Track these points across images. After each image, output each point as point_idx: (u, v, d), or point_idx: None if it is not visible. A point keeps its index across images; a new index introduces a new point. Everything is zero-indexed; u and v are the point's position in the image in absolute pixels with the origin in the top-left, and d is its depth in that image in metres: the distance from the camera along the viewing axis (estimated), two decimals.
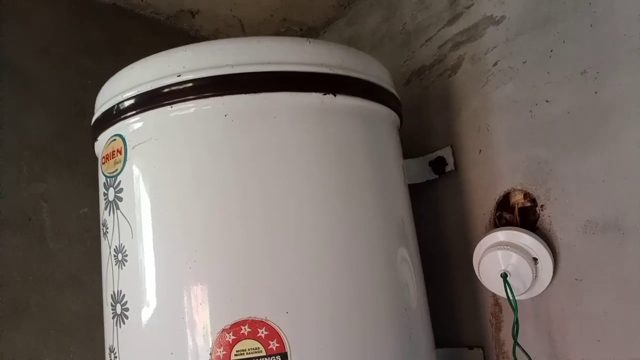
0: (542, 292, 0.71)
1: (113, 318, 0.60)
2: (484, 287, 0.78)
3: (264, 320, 0.53)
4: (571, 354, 0.68)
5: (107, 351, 0.62)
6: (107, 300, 0.62)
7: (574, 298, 0.67)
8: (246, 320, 0.53)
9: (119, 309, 0.59)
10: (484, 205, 0.80)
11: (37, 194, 0.89)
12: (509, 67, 0.77)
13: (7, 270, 0.84)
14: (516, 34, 0.76)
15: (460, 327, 0.81)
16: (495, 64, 0.80)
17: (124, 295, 0.59)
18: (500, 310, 0.77)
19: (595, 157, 0.66)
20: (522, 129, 0.75)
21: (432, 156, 0.86)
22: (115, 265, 0.60)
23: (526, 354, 0.65)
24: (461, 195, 0.83)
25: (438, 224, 0.85)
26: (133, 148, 0.61)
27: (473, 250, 0.76)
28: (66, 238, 0.91)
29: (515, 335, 0.66)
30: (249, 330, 0.53)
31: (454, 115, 0.85)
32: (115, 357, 0.60)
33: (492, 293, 0.77)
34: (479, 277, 0.74)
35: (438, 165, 0.86)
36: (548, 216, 0.71)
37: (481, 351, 0.78)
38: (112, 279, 0.61)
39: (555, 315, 0.69)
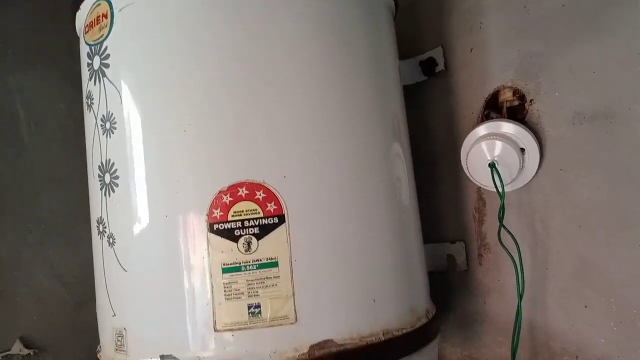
0: (527, 183, 0.72)
1: (101, 189, 0.59)
2: (469, 183, 0.79)
3: (261, 183, 0.52)
4: (552, 242, 0.70)
5: (94, 224, 0.61)
6: (94, 173, 0.60)
7: (559, 188, 0.69)
8: (244, 182, 0.52)
9: (107, 179, 0.58)
10: (472, 104, 0.80)
11: (10, 87, 0.85)
12: None
13: None
14: None
15: (443, 223, 0.83)
16: None
17: (112, 163, 0.57)
18: (484, 205, 0.78)
19: (588, 49, 0.66)
20: (516, 25, 0.74)
21: (423, 57, 0.85)
22: (103, 134, 0.58)
23: (511, 235, 0.67)
24: (450, 95, 0.83)
25: (426, 125, 0.85)
26: (120, 10, 0.57)
27: (460, 150, 0.77)
28: (43, 134, 0.87)
29: (501, 219, 0.68)
30: (247, 192, 0.52)
31: (445, 15, 0.84)
32: (105, 228, 0.58)
33: (477, 188, 0.79)
34: (466, 172, 0.75)
35: (428, 65, 0.85)
36: (537, 110, 0.72)
37: (463, 244, 0.80)
38: (100, 149, 0.59)
39: (539, 206, 0.71)
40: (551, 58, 0.70)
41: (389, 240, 0.60)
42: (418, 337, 0.59)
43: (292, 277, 0.52)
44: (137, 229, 0.55)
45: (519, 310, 0.66)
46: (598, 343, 0.65)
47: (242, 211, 0.52)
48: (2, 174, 0.82)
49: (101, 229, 0.59)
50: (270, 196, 0.53)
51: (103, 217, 0.58)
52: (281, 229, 0.52)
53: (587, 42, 0.66)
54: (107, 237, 0.58)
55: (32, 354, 0.81)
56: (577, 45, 0.67)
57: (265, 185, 0.52)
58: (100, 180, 0.59)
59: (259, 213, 0.52)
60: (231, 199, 0.52)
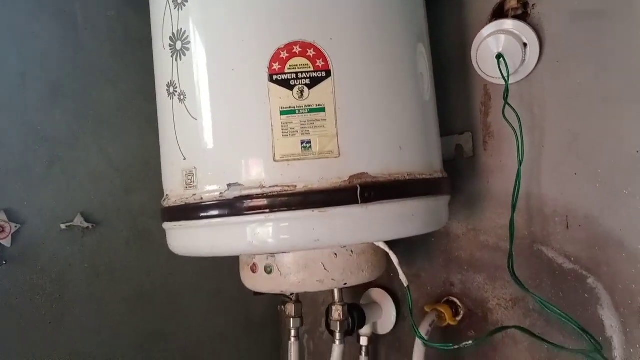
0: (527, 75, 0.83)
1: (172, 55, 0.69)
2: (477, 82, 0.91)
3: (312, 43, 0.64)
4: (547, 123, 0.82)
5: (163, 89, 0.72)
6: (164, 44, 0.71)
7: (555, 76, 0.81)
8: (297, 41, 0.64)
9: (179, 45, 0.68)
10: (481, 14, 0.90)
11: None
12: None
13: (47, 57, 0.90)
14: None
15: (453, 118, 0.94)
16: None
17: (184, 32, 0.68)
18: (490, 99, 0.90)
19: None
20: None
21: None
22: (175, 8, 0.69)
23: (513, 109, 0.79)
24: (461, 7, 0.94)
25: (441, 33, 0.95)
26: None
27: (469, 52, 0.88)
28: (96, 37, 0.97)
29: (505, 98, 0.80)
30: (300, 50, 0.63)
31: None
32: (175, 89, 0.69)
33: (484, 85, 0.90)
34: (476, 67, 0.86)
35: None
36: (538, 12, 0.83)
37: (470, 134, 0.92)
38: (171, 21, 0.69)
39: (537, 93, 0.83)
40: None
41: (413, 107, 0.72)
42: (433, 185, 0.72)
43: (336, 120, 0.64)
44: (207, 83, 0.66)
45: (519, 173, 0.79)
46: (584, 203, 0.78)
47: (296, 65, 0.63)
48: (62, 67, 0.93)
49: (172, 91, 0.70)
50: (319, 54, 0.64)
51: (174, 79, 0.69)
52: (328, 82, 0.64)
53: None
54: (178, 96, 0.69)
55: (90, 227, 0.92)
56: None
57: (315, 44, 0.64)
58: (171, 49, 0.69)
59: (309, 67, 0.64)
60: (287, 54, 0.63)
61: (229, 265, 1.12)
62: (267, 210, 0.63)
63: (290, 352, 0.84)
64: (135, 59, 0.99)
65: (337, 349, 0.82)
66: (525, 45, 0.82)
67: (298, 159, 0.63)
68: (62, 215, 0.89)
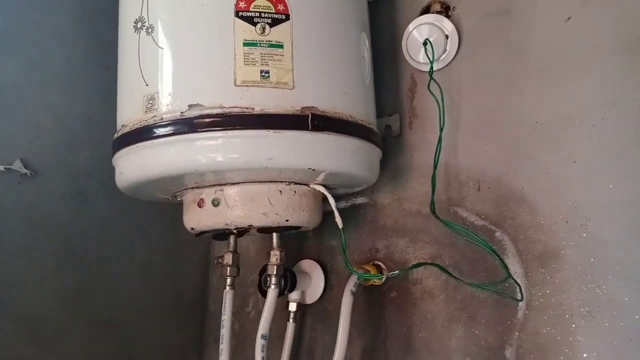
0: (448, 64, 0.98)
1: None
2: (405, 70, 1.05)
3: None
4: (463, 103, 0.95)
5: (130, 25, 0.77)
6: None
7: (470, 64, 0.96)
8: None
9: None
10: (410, 15, 1.05)
11: None
12: None
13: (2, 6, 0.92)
14: None
15: (383, 102, 1.06)
16: None
17: None
18: (415, 85, 1.04)
19: None
20: None
21: None
22: None
23: (437, 82, 0.93)
24: (394, 10, 1.09)
25: (376, 30, 1.09)
26: None
27: (399, 47, 1.02)
28: None
29: (430, 74, 0.93)
30: None
31: None
32: (143, 24, 0.75)
33: (411, 73, 1.04)
34: (405, 54, 1.00)
35: None
36: (457, 13, 0.99)
37: (398, 115, 1.04)
38: None
39: (455, 79, 0.97)
40: None
41: (356, 65, 0.83)
42: (371, 133, 0.82)
43: (292, 57, 0.73)
44: (177, 17, 0.73)
45: (440, 139, 0.91)
46: (493, 168, 0.91)
47: (260, 6, 0.72)
48: (16, 18, 0.95)
49: (139, 26, 0.75)
50: (281, 0, 0.73)
51: (143, 15, 0.75)
52: (287, 24, 0.73)
53: None
54: (146, 29, 0.74)
55: (28, 174, 0.91)
56: None
57: None
58: None
59: (272, 9, 0.73)
60: None
61: (161, 238, 1.13)
62: (226, 128, 0.69)
63: (225, 301, 0.87)
64: (88, 21, 1.03)
65: (271, 292, 0.85)
66: (447, 37, 0.97)
67: (257, 86, 0.70)
68: (1, 157, 0.88)
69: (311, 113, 0.72)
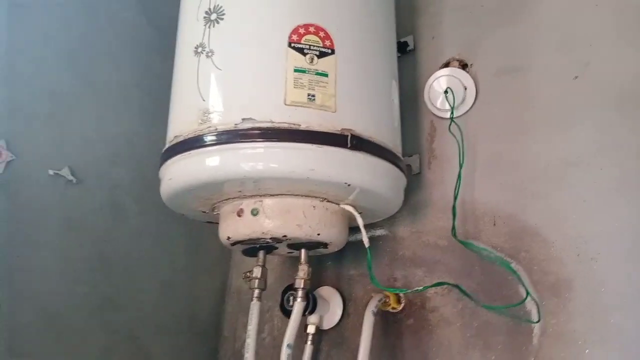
0: (465, 112, 1.08)
1: (205, 24, 0.86)
2: (425, 117, 1.14)
3: (324, 27, 0.84)
4: (478, 146, 1.04)
5: (191, 50, 0.86)
6: (199, 16, 0.87)
7: (484, 113, 1.06)
8: (313, 24, 0.83)
9: (213, 17, 0.86)
10: (431, 70, 1.17)
11: None
12: None
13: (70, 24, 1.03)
14: None
15: (405, 144, 1.14)
16: None
17: (220, 6, 0.86)
18: (435, 130, 1.13)
19: (504, 32, 1.07)
20: (461, 19, 1.16)
21: (400, 40, 1.24)
22: None
23: (457, 125, 1.02)
24: (416, 65, 1.21)
25: (399, 79, 1.20)
26: None
27: (420, 96, 1.13)
28: (116, 21, 1.12)
29: (452, 118, 1.03)
30: (314, 30, 0.83)
31: (417, 14, 1.25)
32: (204, 49, 0.85)
33: (430, 120, 1.14)
34: (427, 102, 1.11)
35: (402, 47, 1.23)
36: (474, 69, 1.11)
37: (418, 156, 1.12)
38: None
39: (472, 126, 1.06)
40: (484, 37, 1.11)
41: (389, 101, 0.92)
42: (399, 161, 0.90)
43: (335, 85, 0.82)
44: (236, 43, 0.83)
45: (460, 175, 0.99)
46: (508, 204, 0.98)
47: (310, 40, 0.82)
48: (82, 36, 1.05)
49: (200, 50, 0.85)
50: (328, 37, 0.84)
51: (204, 41, 0.85)
52: (332, 57, 0.83)
53: (507, 25, 1.08)
54: (206, 54, 0.84)
55: (74, 181, 0.98)
56: (500, 29, 1.08)
57: (326, 29, 0.84)
58: (205, 19, 0.86)
59: (320, 44, 0.83)
60: (304, 31, 0.83)
61: (184, 261, 1.18)
62: (276, 139, 0.76)
63: (252, 311, 0.90)
64: (138, 50, 1.13)
65: (298, 305, 0.89)
66: (465, 88, 1.08)
67: (303, 106, 0.79)
68: (51, 162, 0.95)
69: (350, 133, 0.80)
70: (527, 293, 0.87)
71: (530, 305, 0.90)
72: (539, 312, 0.86)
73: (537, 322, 0.86)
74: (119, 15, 1.13)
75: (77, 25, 1.04)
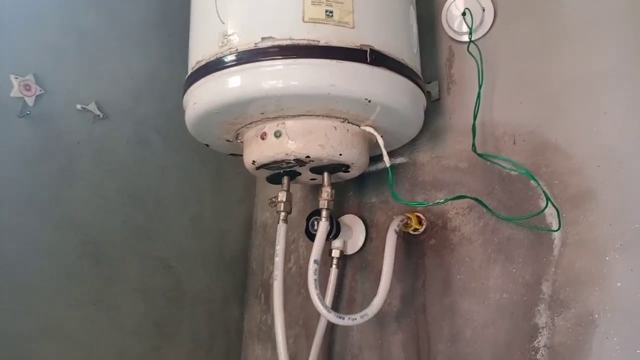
0: (484, 35, 1.07)
1: None
2: (444, 43, 1.14)
3: None
4: (498, 65, 1.04)
5: None
6: None
7: (504, 34, 1.04)
8: None
9: None
10: None
11: None
12: None
13: None
14: None
15: (424, 70, 1.14)
16: None
17: None
18: (453, 56, 1.12)
19: None
20: None
21: None
22: None
23: (476, 45, 1.01)
24: None
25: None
26: None
27: (438, 22, 1.12)
28: None
29: (470, 36, 1.02)
30: None
31: None
32: None
33: (449, 45, 1.13)
34: (444, 24, 1.10)
35: None
36: None
37: (437, 82, 1.12)
38: None
39: (491, 47, 1.05)
40: None
41: (409, 25, 0.92)
42: (419, 79, 0.91)
43: (353, 2, 0.82)
44: None
45: (479, 94, 0.99)
46: (528, 122, 0.98)
47: None
48: None
49: None
50: None
51: None
52: None
53: None
54: None
55: (101, 116, 1.01)
56: None
57: None
58: None
59: None
60: None
61: (210, 195, 1.21)
62: (295, 56, 0.78)
63: (279, 232, 0.93)
64: None
65: (323, 224, 0.92)
66: (483, 10, 1.06)
67: (322, 23, 0.80)
68: (79, 97, 0.98)
69: (370, 48, 0.80)
70: (547, 200, 0.87)
71: (550, 217, 0.91)
72: (559, 220, 0.87)
73: (557, 230, 0.87)
74: None
75: None
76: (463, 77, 1.09)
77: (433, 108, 1.11)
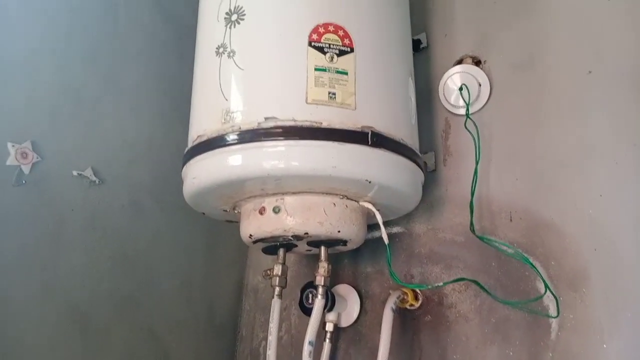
0: (479, 109, 1.09)
1: (226, 25, 0.87)
2: (440, 114, 1.15)
3: (343, 27, 0.85)
4: (493, 141, 1.05)
5: (212, 50, 0.87)
6: (219, 17, 0.89)
7: (498, 108, 1.07)
8: (332, 23, 0.85)
9: (234, 17, 0.87)
10: (444, 67, 1.18)
11: None
12: None
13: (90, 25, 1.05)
14: None
15: (419, 141, 1.16)
16: None
17: (241, 7, 0.87)
18: (449, 127, 1.14)
19: (521, 25, 1.09)
20: (474, 15, 1.17)
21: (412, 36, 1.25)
22: None
23: (473, 121, 1.03)
24: (430, 62, 1.22)
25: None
26: None
27: (434, 94, 1.14)
28: (136, 23, 1.13)
29: (467, 114, 1.04)
30: (333, 29, 0.85)
31: (428, 12, 1.26)
32: (225, 49, 0.86)
33: (445, 117, 1.15)
34: (441, 98, 1.12)
35: (415, 44, 1.24)
36: (488, 65, 1.12)
37: (433, 153, 1.14)
38: (229, 2, 0.88)
39: (486, 121, 1.07)
40: (497, 34, 1.12)
41: (407, 100, 0.93)
42: (417, 157, 0.91)
43: (355, 83, 0.83)
44: (257, 44, 0.84)
45: (476, 171, 1.00)
46: (524, 199, 0.99)
47: (330, 39, 0.84)
48: (103, 35, 1.07)
49: (221, 50, 0.86)
50: (347, 35, 0.85)
51: (225, 42, 0.87)
52: (351, 55, 0.84)
53: (522, 20, 1.09)
54: (228, 54, 0.85)
55: (96, 182, 0.99)
56: (515, 24, 1.09)
57: (345, 28, 0.85)
58: (226, 20, 0.88)
59: (339, 42, 0.84)
60: (323, 30, 0.84)
61: (202, 259, 1.19)
62: (298, 137, 0.78)
63: (273, 310, 0.91)
64: (156, 52, 1.15)
65: (318, 302, 0.90)
66: (479, 85, 1.09)
67: (325, 105, 0.80)
68: (75, 163, 0.97)
69: (371, 131, 0.81)
70: (546, 288, 0.87)
71: (548, 300, 0.91)
72: (557, 306, 0.87)
73: (556, 317, 0.87)
74: (138, 16, 1.15)
75: (98, 26, 1.06)
76: (459, 149, 1.11)
77: (429, 179, 1.12)
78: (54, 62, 0.98)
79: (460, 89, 1.08)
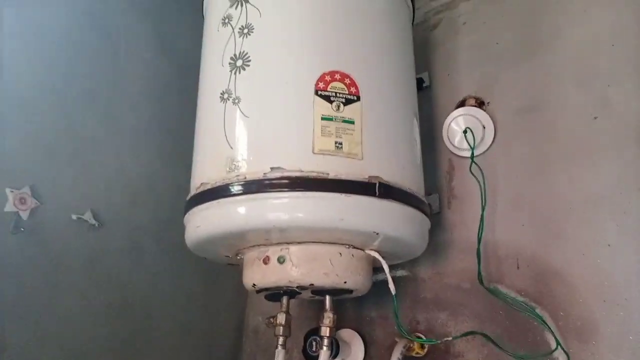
0: (484, 152, 1.08)
1: (231, 71, 0.86)
2: (443, 155, 1.15)
3: (349, 75, 0.84)
4: (499, 186, 1.04)
5: (217, 96, 0.86)
6: (224, 62, 0.87)
7: (504, 153, 1.06)
8: (339, 71, 0.84)
9: (239, 63, 0.86)
10: (447, 108, 1.18)
11: None
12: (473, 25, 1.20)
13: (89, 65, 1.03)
14: (480, 3, 1.21)
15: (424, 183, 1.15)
16: (463, 23, 1.23)
17: (246, 53, 0.86)
18: (453, 169, 1.13)
19: (525, 68, 1.08)
20: (477, 56, 1.17)
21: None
22: (239, 37, 0.88)
23: (478, 166, 1.01)
24: (432, 102, 1.21)
25: None
26: None
27: (438, 135, 1.13)
28: (136, 65, 1.12)
29: (472, 158, 1.03)
30: (339, 77, 0.84)
31: (431, 51, 1.26)
32: (230, 95, 0.85)
33: (448, 158, 1.14)
34: (445, 140, 1.11)
35: (418, 83, 1.24)
36: (491, 107, 1.11)
37: (437, 195, 1.12)
38: (234, 46, 0.87)
39: (491, 165, 1.07)
40: (501, 75, 1.11)
41: (412, 146, 0.92)
42: (425, 206, 0.89)
43: (361, 132, 0.82)
44: (263, 91, 0.83)
45: (482, 217, 0.98)
46: (531, 246, 0.97)
47: (336, 87, 0.83)
48: (102, 75, 1.05)
49: (226, 97, 0.85)
50: (353, 83, 0.84)
51: (230, 88, 0.85)
52: (358, 104, 0.83)
53: (524, 64, 1.09)
54: (233, 100, 0.84)
55: (96, 225, 0.97)
56: (517, 66, 1.09)
57: (352, 76, 0.84)
58: (231, 65, 0.87)
59: (345, 91, 0.83)
60: (330, 78, 0.83)
61: (202, 302, 1.16)
62: (304, 189, 0.76)
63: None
64: (158, 93, 1.14)
65: (324, 354, 0.88)
66: (483, 127, 1.08)
67: (331, 154, 0.79)
68: (75, 206, 0.94)
69: (378, 182, 0.79)
70: (557, 344, 0.85)
71: (558, 353, 0.89)
72: None
73: None
74: (139, 55, 1.14)
75: (98, 65, 1.05)
76: (464, 191, 1.09)
77: (434, 221, 1.09)
78: (53, 101, 0.97)
79: (465, 132, 1.07)
